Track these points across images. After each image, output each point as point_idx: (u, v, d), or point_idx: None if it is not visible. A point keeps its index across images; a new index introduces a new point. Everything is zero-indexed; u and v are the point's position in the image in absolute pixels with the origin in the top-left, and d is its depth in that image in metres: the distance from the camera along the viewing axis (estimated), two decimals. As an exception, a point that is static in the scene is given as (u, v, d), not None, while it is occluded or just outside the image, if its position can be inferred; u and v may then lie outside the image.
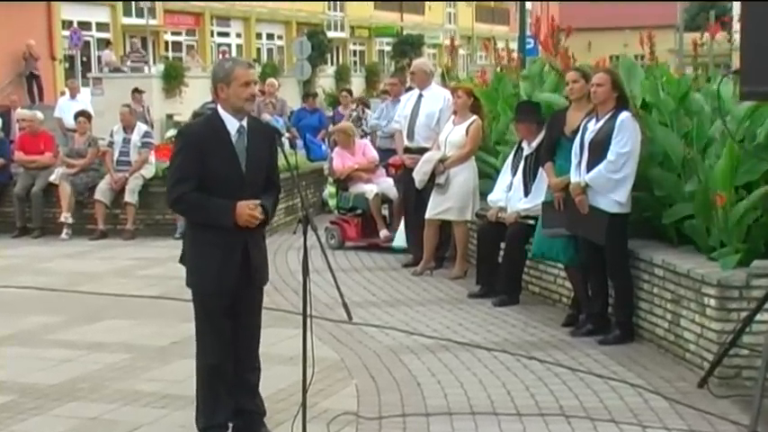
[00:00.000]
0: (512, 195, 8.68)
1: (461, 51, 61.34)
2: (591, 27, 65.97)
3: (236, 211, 4.95)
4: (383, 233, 11.36)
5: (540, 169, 8.15)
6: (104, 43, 33.78)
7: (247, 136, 5.05)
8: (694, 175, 7.05)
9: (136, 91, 20.81)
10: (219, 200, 4.97)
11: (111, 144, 13.27)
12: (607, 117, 7.11)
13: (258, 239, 5.19)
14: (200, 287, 5.08)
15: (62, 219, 12.98)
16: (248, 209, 4.97)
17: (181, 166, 5.00)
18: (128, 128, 13.24)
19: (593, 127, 7.18)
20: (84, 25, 33.65)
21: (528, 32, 19.42)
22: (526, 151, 8.59)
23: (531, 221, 8.33)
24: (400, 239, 10.91)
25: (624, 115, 7.05)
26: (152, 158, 13.22)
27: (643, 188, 7.37)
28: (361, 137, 13.48)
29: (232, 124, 5.02)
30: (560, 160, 7.70)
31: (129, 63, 31.25)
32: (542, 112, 8.58)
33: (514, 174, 8.72)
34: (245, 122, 5.07)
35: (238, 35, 44.29)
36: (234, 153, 5.00)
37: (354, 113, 15.93)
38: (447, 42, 17.03)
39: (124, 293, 9.39)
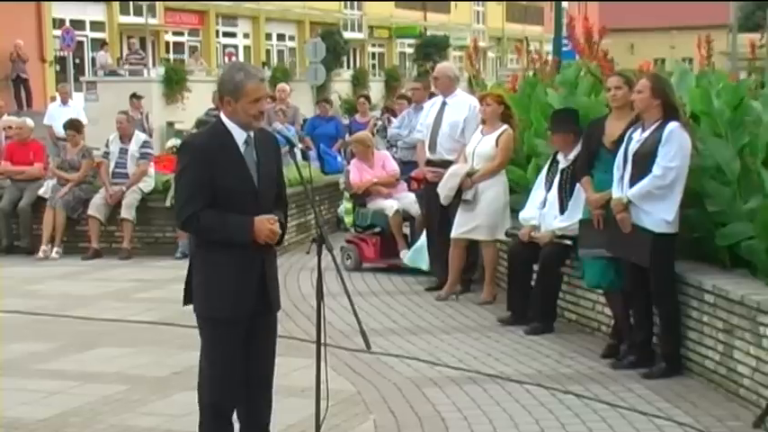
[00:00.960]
0: (546, 213, 8.67)
1: (490, 54, 61.53)
2: (634, 28, 65.92)
3: (254, 227, 4.96)
4: (404, 253, 11.36)
5: (577, 184, 8.14)
6: (99, 44, 33.98)
7: (255, 147, 5.07)
8: (757, 190, 7.00)
9: (134, 96, 20.87)
10: (235, 216, 4.96)
11: (106, 155, 13.30)
12: (654, 127, 7.10)
13: (272, 259, 5.19)
14: (213, 313, 5.04)
15: (40, 253, 12.89)
16: (268, 223, 4.98)
17: (189, 182, 4.99)
18: (125, 137, 13.25)
19: (638, 137, 7.17)
20: (78, 24, 33.91)
21: (564, 33, 19.42)
22: (562, 164, 8.58)
23: (568, 241, 8.32)
24: (416, 259, 10.89)
25: (673, 125, 7.03)
26: (151, 170, 13.25)
27: (692, 205, 7.35)
28: (387, 148, 13.48)
29: (239, 135, 5.04)
30: (599, 174, 7.69)
31: (126, 66, 31.42)
32: (580, 121, 8.58)
33: (549, 189, 8.71)
34: (252, 133, 5.08)
35: (246, 35, 44.50)
36: (245, 166, 5.01)
37: (379, 122, 15.90)
38: (480, 44, 17.04)
39: (120, 318, 9.42)
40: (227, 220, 4.95)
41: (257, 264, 5.04)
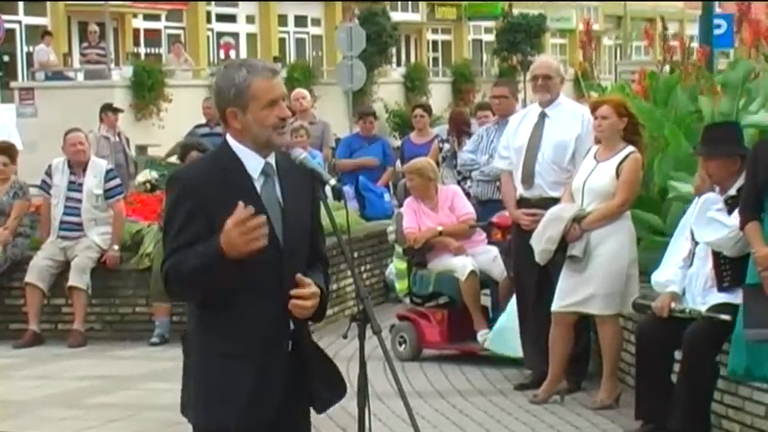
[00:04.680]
0: (693, 274, 8.67)
1: (607, 40, 61.40)
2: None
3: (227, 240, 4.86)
4: (482, 334, 11.37)
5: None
6: (39, 34, 34.31)
7: (279, 179, 5.12)
8: None
9: (108, 109, 20.12)
10: (202, 245, 4.93)
11: (46, 187, 13.20)
12: None
13: (305, 339, 5.21)
14: (213, 424, 5.10)
15: None
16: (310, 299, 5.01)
17: (180, 233, 5.02)
18: (77, 165, 13.09)
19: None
20: (6, 7, 34.18)
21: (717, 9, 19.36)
22: (717, 203, 8.59)
23: (725, 316, 8.29)
24: (504, 341, 10.90)
25: None
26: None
27: None
28: (458, 182, 13.51)
29: (254, 162, 5.08)
30: (772, 218, 7.70)
31: (75, 65, 31.56)
32: (746, 142, 8.56)
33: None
34: (272, 159, 5.13)
35: (250, 19, 44.75)
36: (263, 210, 4.99)
37: (447, 145, 15.93)
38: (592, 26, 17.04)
39: (71, 433, 9.51)
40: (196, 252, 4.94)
41: (282, 350, 5.09)
